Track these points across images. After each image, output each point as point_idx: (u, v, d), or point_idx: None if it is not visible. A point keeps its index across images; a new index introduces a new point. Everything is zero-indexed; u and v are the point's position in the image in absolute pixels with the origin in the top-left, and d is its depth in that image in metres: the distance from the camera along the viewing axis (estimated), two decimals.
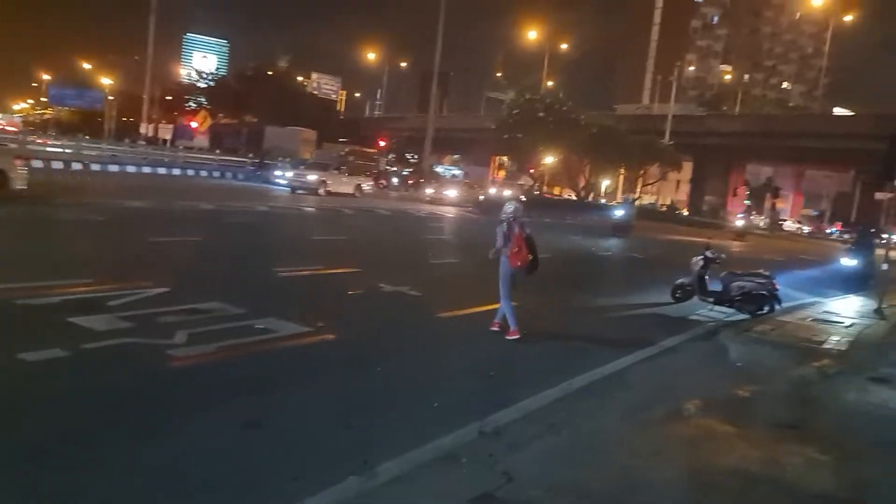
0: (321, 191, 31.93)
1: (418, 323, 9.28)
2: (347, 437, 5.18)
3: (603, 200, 59.10)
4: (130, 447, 4.59)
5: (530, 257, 8.67)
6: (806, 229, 77.15)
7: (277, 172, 36.48)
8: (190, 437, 4.85)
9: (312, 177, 32.99)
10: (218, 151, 46.44)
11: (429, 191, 41.07)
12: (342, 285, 10.86)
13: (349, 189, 33.82)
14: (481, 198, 37.45)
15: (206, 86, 68.46)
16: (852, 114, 70.56)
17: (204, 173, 38.39)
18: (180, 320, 7.43)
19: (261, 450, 4.80)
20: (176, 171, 36.73)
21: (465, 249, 17.93)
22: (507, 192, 35.76)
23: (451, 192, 40.44)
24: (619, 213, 33.99)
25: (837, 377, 7.96)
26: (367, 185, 36.01)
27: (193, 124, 58.91)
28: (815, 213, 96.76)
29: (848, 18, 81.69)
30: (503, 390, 6.66)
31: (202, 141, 58.24)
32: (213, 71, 78.93)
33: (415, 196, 42.06)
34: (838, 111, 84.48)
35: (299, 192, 32.11)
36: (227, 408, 5.43)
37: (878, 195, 15.95)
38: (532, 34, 64.72)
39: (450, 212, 33.50)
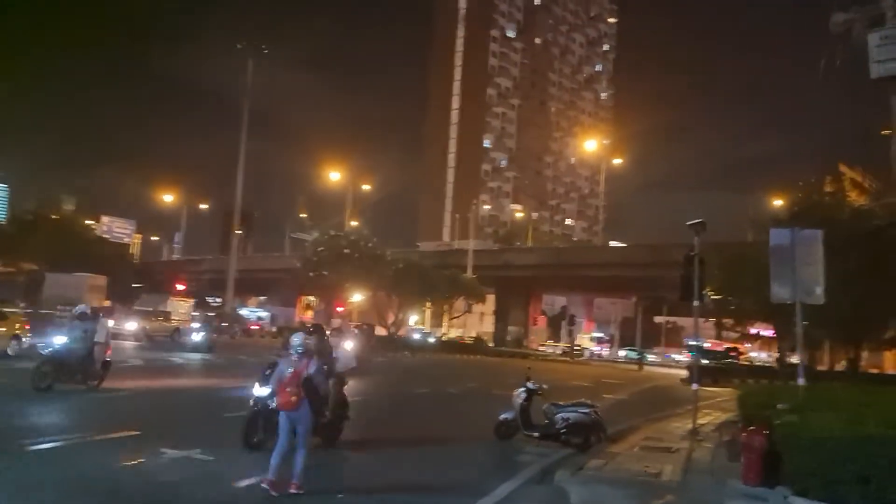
0: None
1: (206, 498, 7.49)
2: None
3: (413, 335, 59.10)
4: None
5: (293, 398, 7.41)
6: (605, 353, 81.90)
7: None
8: None
9: None
10: None
11: None
12: (112, 455, 8.78)
13: None
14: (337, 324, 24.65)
15: None
16: (626, 245, 78.09)
17: None
18: None
19: None
20: None
21: None
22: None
23: None
24: None
25: None
26: None
27: None
28: (606, 338, 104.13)
29: (617, 162, 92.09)
30: None
31: None
32: None
33: None
34: (614, 244, 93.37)
35: None
36: None
37: (658, 319, 16.70)
38: (335, 175, 65.64)
39: None
